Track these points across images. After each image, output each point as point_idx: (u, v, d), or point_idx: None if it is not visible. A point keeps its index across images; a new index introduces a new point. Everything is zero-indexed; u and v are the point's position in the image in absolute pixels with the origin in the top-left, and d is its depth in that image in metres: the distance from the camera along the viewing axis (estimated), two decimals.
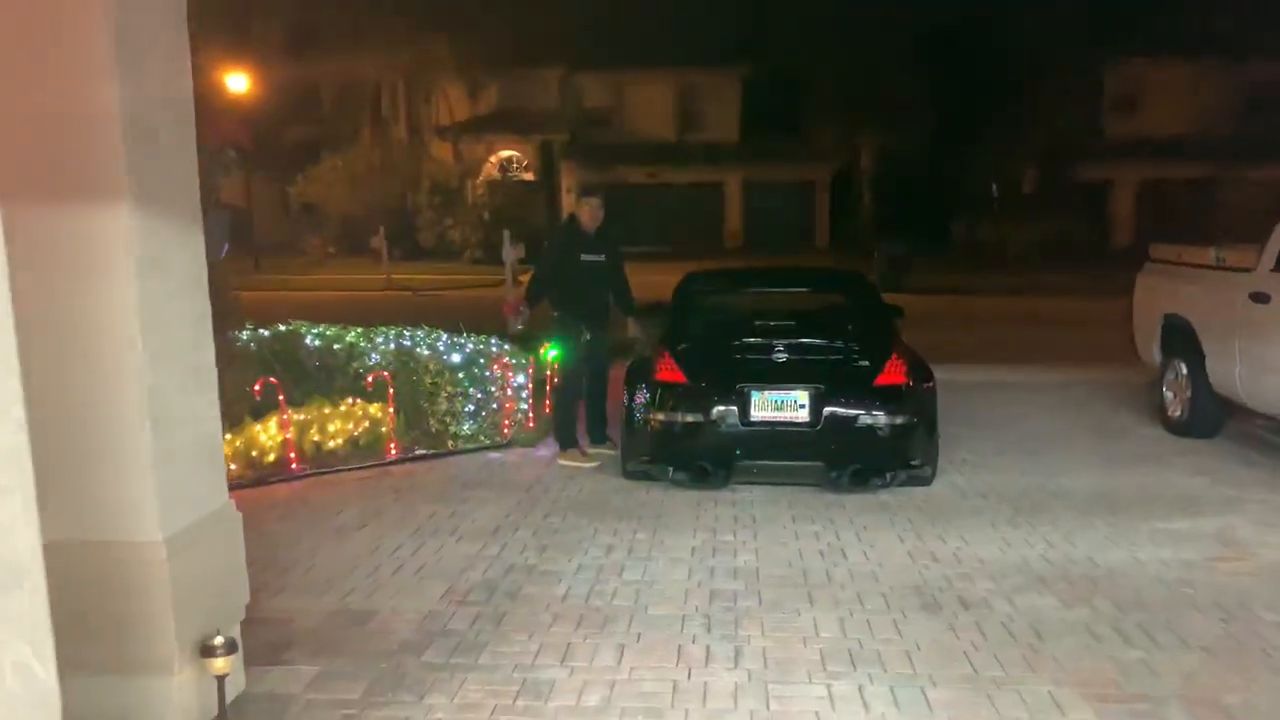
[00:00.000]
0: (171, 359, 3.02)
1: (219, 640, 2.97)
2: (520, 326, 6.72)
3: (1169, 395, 7.48)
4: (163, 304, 2.97)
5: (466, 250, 27.06)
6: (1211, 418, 7.08)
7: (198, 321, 3.18)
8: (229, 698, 3.23)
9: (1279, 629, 3.89)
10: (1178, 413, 7.33)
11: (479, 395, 6.83)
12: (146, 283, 2.90)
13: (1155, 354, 7.74)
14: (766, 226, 30.60)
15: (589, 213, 6.50)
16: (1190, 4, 26.41)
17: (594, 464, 6.47)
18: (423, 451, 6.70)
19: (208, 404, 3.24)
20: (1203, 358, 6.93)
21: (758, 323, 6.11)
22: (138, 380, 2.89)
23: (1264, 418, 6.56)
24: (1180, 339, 7.28)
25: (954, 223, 28.35)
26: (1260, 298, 6.27)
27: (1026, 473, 6.26)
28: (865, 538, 5.03)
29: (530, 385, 7.25)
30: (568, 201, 26.71)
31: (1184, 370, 7.23)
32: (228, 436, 6.09)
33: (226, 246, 5.98)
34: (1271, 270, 6.30)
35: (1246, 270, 6.56)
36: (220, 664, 2.97)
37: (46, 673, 1.57)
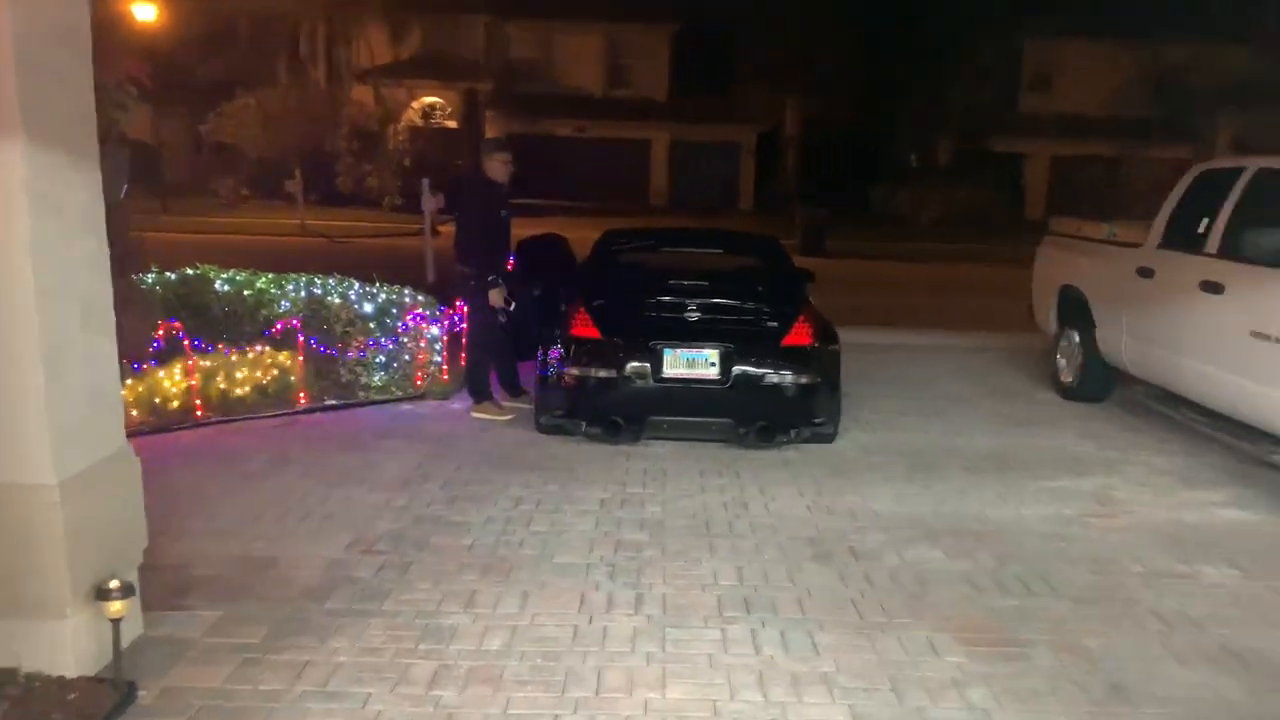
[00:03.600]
0: (65, 300, 2.96)
1: (114, 583, 2.96)
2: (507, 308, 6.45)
3: (1062, 362, 7.83)
4: (57, 244, 2.91)
5: (386, 198, 26.45)
6: (1101, 384, 7.45)
7: (94, 263, 3.12)
8: (126, 642, 3.22)
9: (1142, 580, 4.18)
10: (1070, 379, 7.69)
11: (391, 346, 6.79)
12: (40, 221, 2.83)
13: (1051, 322, 8.09)
14: (692, 186, 30.68)
15: (502, 168, 6.46)
16: None
17: (508, 417, 6.51)
18: (333, 401, 6.65)
19: (104, 346, 3.19)
20: (1094, 327, 7.28)
21: (671, 282, 6.20)
22: (30, 321, 2.83)
23: (1147, 385, 6.92)
24: (1074, 309, 7.62)
25: (873, 189, 28.83)
26: (1146, 272, 6.59)
27: (927, 432, 6.51)
28: (768, 492, 5.20)
29: (445, 337, 7.22)
30: None
31: (1076, 339, 7.58)
32: (129, 382, 5.96)
33: (126, 187, 5.78)
34: (1157, 247, 6.63)
35: (1136, 246, 6.89)
36: (115, 607, 2.96)
37: None
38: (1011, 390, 7.92)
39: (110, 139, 5.18)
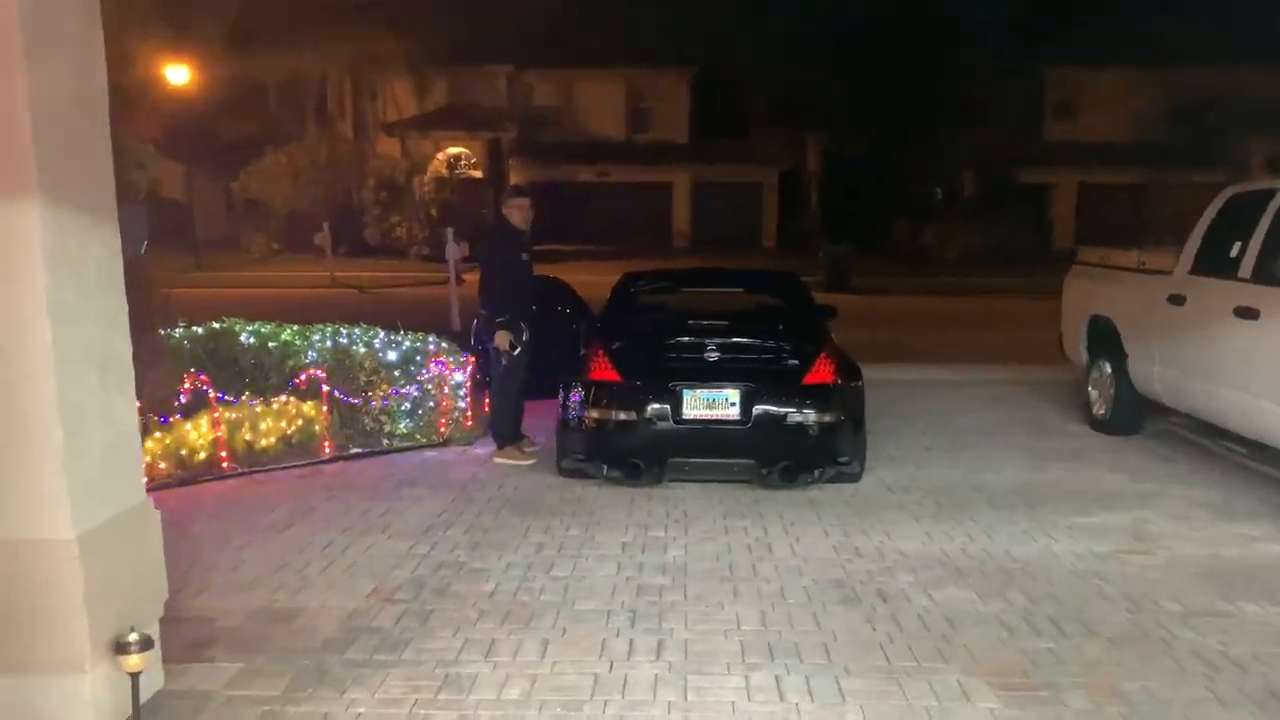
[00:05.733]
0: (84, 356, 2.99)
1: (133, 637, 2.95)
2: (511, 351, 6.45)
3: (1094, 394, 7.70)
4: (75, 301, 2.94)
5: (414, 247, 26.87)
6: (1133, 416, 7.31)
7: (113, 318, 3.15)
8: (146, 696, 3.22)
9: (1181, 619, 4.04)
10: (1101, 411, 7.55)
11: (416, 393, 6.81)
12: (58, 278, 2.87)
13: (1081, 353, 7.96)
14: (715, 226, 30.79)
15: (521, 214, 6.54)
16: (1128, 13, 27.14)
17: (530, 461, 6.49)
18: (357, 450, 6.67)
19: (123, 402, 3.21)
20: (1125, 357, 7.15)
21: (690, 322, 6.19)
22: (48, 377, 2.86)
23: (1181, 415, 6.78)
24: (1105, 339, 7.50)
25: (898, 224, 28.77)
26: (1177, 299, 6.49)
27: (953, 468, 6.41)
28: (792, 533, 5.12)
29: (469, 384, 7.24)
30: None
31: (1108, 369, 7.45)
32: (157, 435, 6.02)
33: (146, 243, 5.88)
34: (1188, 273, 6.52)
35: (1165, 273, 6.78)
36: (134, 661, 2.95)
37: None
38: (1041, 423, 7.79)
39: (133, 197, 5.28)
